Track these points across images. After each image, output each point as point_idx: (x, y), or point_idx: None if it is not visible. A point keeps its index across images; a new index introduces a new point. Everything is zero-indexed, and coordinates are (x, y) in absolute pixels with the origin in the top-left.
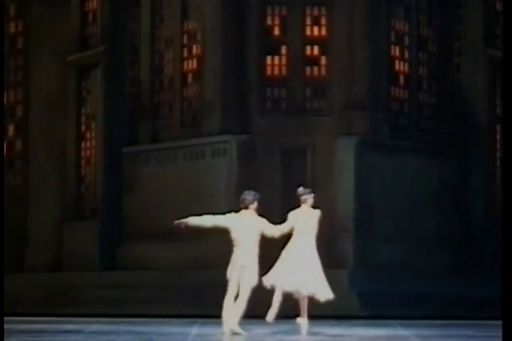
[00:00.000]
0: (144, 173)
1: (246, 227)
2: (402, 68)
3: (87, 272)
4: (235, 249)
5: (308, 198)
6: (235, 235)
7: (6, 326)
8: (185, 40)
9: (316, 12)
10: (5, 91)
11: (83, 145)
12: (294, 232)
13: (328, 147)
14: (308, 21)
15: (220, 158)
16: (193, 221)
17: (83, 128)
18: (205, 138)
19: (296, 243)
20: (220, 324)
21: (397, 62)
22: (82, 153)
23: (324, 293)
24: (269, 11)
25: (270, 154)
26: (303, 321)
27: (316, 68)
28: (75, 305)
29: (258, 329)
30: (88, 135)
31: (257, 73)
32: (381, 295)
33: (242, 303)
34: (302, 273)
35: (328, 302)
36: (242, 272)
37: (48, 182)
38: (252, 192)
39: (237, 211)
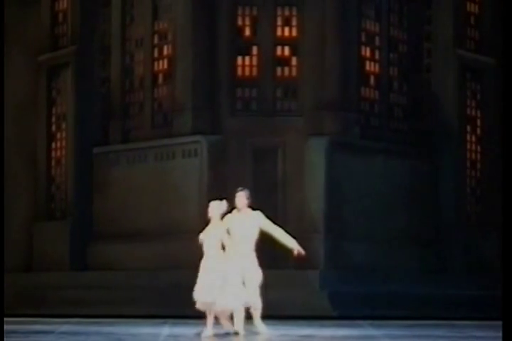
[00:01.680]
0: (114, 173)
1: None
2: (372, 69)
3: (58, 272)
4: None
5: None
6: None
7: None
8: (155, 41)
9: (286, 12)
10: None
11: (54, 145)
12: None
13: (298, 147)
14: (279, 22)
15: (190, 158)
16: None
17: (54, 128)
18: (176, 138)
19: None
20: (190, 324)
21: (367, 62)
22: (53, 154)
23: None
24: (239, 11)
25: (241, 154)
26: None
27: (286, 69)
28: (45, 306)
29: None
30: (59, 135)
31: (228, 73)
32: (352, 296)
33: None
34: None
35: (300, 303)
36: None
37: (19, 183)
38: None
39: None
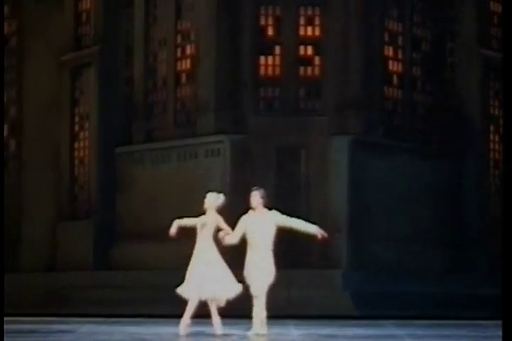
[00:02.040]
0: (137, 173)
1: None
2: (395, 68)
3: (81, 272)
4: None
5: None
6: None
7: None
8: (179, 40)
9: (309, 12)
10: None
11: (77, 145)
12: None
13: (322, 147)
14: (302, 21)
15: (213, 158)
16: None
17: (77, 128)
18: (199, 138)
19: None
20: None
21: (391, 62)
22: (76, 153)
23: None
24: (263, 11)
25: (264, 154)
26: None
27: (309, 68)
28: (68, 305)
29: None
30: (82, 135)
31: (251, 73)
32: (374, 295)
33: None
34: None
35: (322, 302)
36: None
37: (42, 183)
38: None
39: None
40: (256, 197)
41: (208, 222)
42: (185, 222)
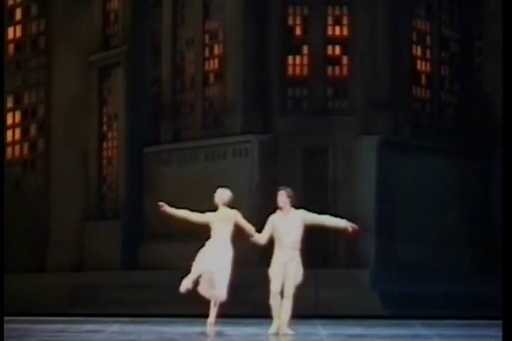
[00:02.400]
0: (165, 173)
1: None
2: (423, 68)
3: (109, 272)
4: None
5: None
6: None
7: (26, 326)
8: (206, 40)
9: (337, 12)
10: (27, 91)
11: (105, 145)
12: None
13: (349, 147)
14: (330, 21)
15: (241, 157)
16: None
17: (105, 128)
18: (227, 138)
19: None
20: (240, 324)
21: (418, 61)
22: (104, 153)
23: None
24: (290, 10)
25: (292, 154)
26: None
27: (337, 68)
28: (96, 305)
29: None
30: (110, 135)
31: (279, 73)
32: (403, 295)
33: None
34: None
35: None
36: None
37: (70, 182)
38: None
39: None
40: (283, 197)
41: (228, 217)
42: (196, 217)
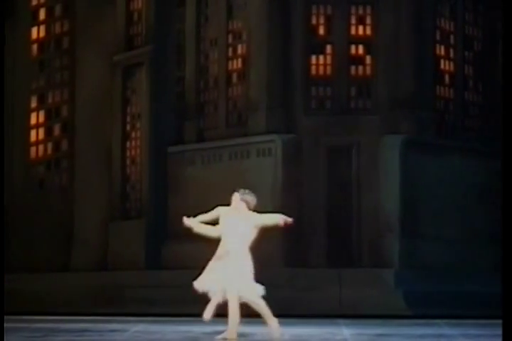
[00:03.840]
0: (189, 173)
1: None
2: (447, 67)
3: (133, 271)
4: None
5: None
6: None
7: (51, 325)
8: (230, 40)
9: (361, 11)
10: (51, 91)
11: (128, 144)
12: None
13: (373, 146)
14: (353, 20)
15: (265, 157)
16: (199, 229)
17: (128, 127)
18: (251, 137)
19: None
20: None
21: (442, 61)
22: (128, 153)
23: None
24: (314, 10)
25: (315, 153)
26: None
27: (361, 67)
28: (121, 305)
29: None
30: (133, 134)
31: (302, 72)
32: (427, 295)
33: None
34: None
35: (375, 302)
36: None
37: (94, 182)
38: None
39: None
40: (236, 199)
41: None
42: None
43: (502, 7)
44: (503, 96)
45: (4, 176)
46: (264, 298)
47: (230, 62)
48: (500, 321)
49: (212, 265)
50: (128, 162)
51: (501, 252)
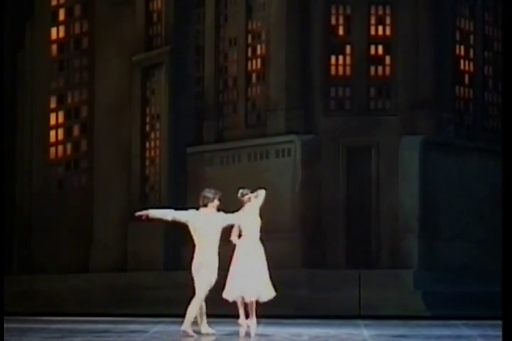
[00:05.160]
0: (208, 173)
1: (206, 224)
2: (467, 67)
3: (152, 272)
4: (196, 246)
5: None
6: (195, 233)
7: (70, 326)
8: (249, 40)
9: (380, 11)
10: (70, 92)
11: (148, 145)
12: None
13: (392, 147)
14: (373, 20)
15: (284, 158)
16: (155, 213)
17: (148, 128)
18: (270, 138)
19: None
20: (284, 324)
21: (462, 61)
22: (147, 153)
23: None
24: (333, 10)
25: (334, 154)
26: (251, 322)
27: (380, 68)
28: (140, 305)
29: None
30: (153, 135)
31: (321, 73)
32: (446, 296)
33: (197, 303)
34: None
35: (393, 303)
36: (200, 270)
37: (113, 183)
38: (213, 191)
39: (197, 209)
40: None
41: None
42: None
43: (502, 7)
44: (504, 96)
45: (4, 176)
46: (284, 298)
47: (249, 63)
48: None
49: (233, 270)
50: (147, 162)
51: (501, 252)
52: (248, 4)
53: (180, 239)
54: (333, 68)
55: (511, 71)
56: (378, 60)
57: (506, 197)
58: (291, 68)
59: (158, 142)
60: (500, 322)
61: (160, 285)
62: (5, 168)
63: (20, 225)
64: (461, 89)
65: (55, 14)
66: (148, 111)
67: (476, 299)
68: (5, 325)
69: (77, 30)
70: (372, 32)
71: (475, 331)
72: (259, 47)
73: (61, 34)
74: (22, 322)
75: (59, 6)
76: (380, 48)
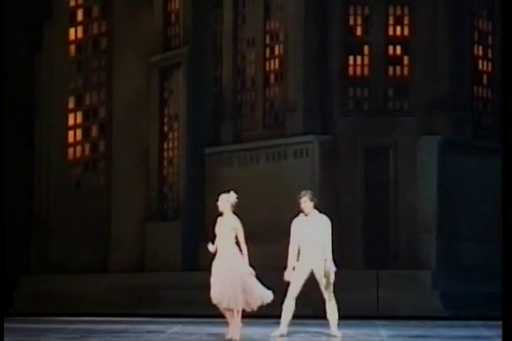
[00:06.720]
0: (226, 174)
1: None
2: (485, 68)
3: (170, 272)
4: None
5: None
6: None
7: (88, 326)
8: (267, 41)
9: (398, 11)
10: (88, 92)
11: (166, 145)
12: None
13: (410, 147)
14: (391, 21)
15: (302, 158)
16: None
17: (166, 128)
18: (288, 138)
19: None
20: (304, 324)
21: (480, 61)
22: (165, 154)
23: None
24: (351, 10)
25: (352, 154)
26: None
27: (398, 68)
28: (158, 306)
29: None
30: (171, 135)
31: (340, 73)
32: (464, 296)
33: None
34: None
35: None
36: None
37: (131, 183)
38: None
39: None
40: (306, 203)
41: (231, 228)
42: None
43: (502, 7)
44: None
45: (5, 176)
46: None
47: (267, 63)
48: None
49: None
50: (165, 163)
51: (501, 252)
52: (266, 5)
53: (198, 239)
54: (351, 68)
55: (511, 71)
56: (396, 60)
57: (506, 197)
58: (309, 68)
59: (176, 142)
60: None
61: (178, 285)
62: (4, 168)
63: (38, 225)
64: (480, 89)
65: (73, 15)
66: (166, 111)
67: (495, 299)
68: (23, 325)
69: (95, 30)
70: (391, 32)
71: (494, 332)
72: (277, 47)
73: (79, 35)
74: (40, 322)
75: (77, 6)
76: (398, 48)
